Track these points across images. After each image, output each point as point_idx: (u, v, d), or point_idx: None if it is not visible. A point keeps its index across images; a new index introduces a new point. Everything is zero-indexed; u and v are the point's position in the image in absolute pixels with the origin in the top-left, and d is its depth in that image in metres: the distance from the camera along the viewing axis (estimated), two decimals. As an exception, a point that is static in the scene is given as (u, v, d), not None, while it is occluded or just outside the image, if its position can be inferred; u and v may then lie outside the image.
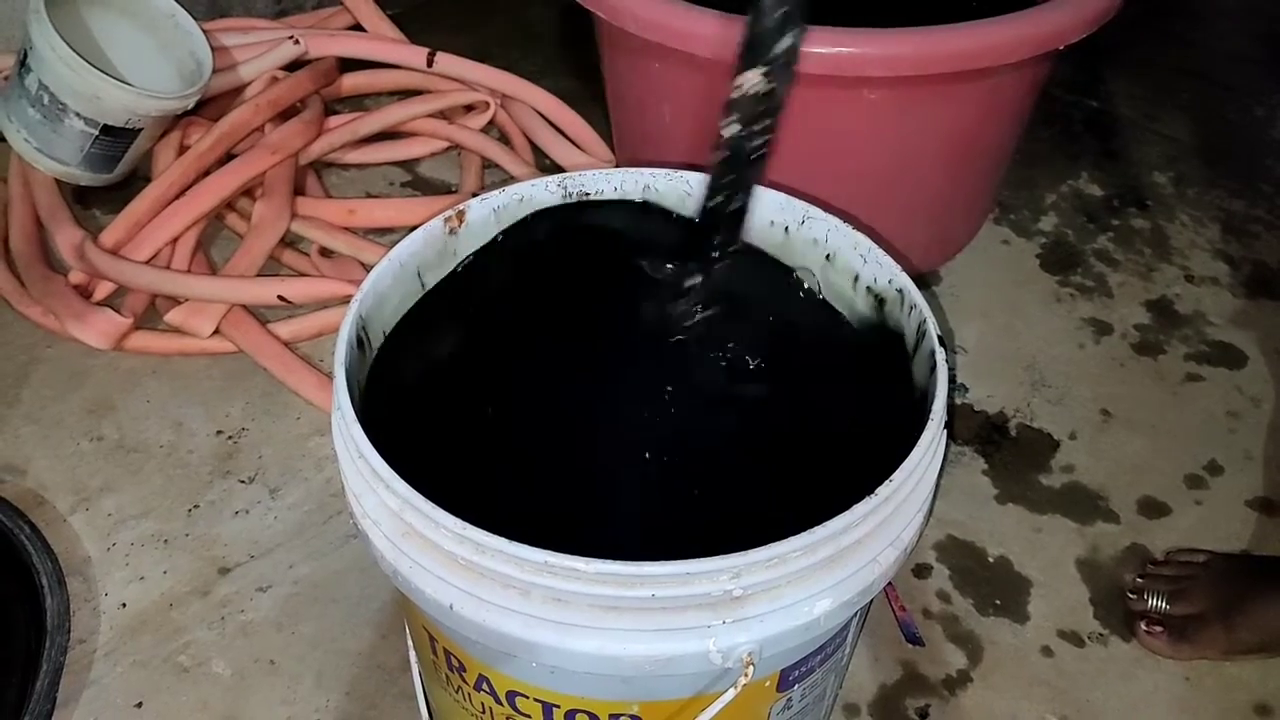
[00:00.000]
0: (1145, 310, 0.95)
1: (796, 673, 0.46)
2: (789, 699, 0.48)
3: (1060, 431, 0.84)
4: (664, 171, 0.57)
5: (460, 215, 0.53)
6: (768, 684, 0.45)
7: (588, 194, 0.56)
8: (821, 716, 0.54)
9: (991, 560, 0.75)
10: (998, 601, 0.72)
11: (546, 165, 1.06)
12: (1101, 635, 0.71)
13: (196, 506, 0.76)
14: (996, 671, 0.69)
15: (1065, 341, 0.92)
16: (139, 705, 0.65)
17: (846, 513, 0.40)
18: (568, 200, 0.56)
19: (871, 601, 0.49)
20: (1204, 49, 1.31)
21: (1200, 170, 1.11)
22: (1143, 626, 0.69)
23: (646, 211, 0.57)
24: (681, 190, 0.57)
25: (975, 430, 0.84)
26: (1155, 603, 0.70)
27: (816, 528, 0.39)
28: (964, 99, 0.82)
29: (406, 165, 1.07)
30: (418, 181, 1.06)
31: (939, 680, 0.68)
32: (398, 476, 0.40)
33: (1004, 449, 0.83)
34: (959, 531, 0.76)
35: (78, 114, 0.90)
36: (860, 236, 0.53)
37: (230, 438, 0.81)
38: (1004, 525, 0.77)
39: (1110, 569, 0.75)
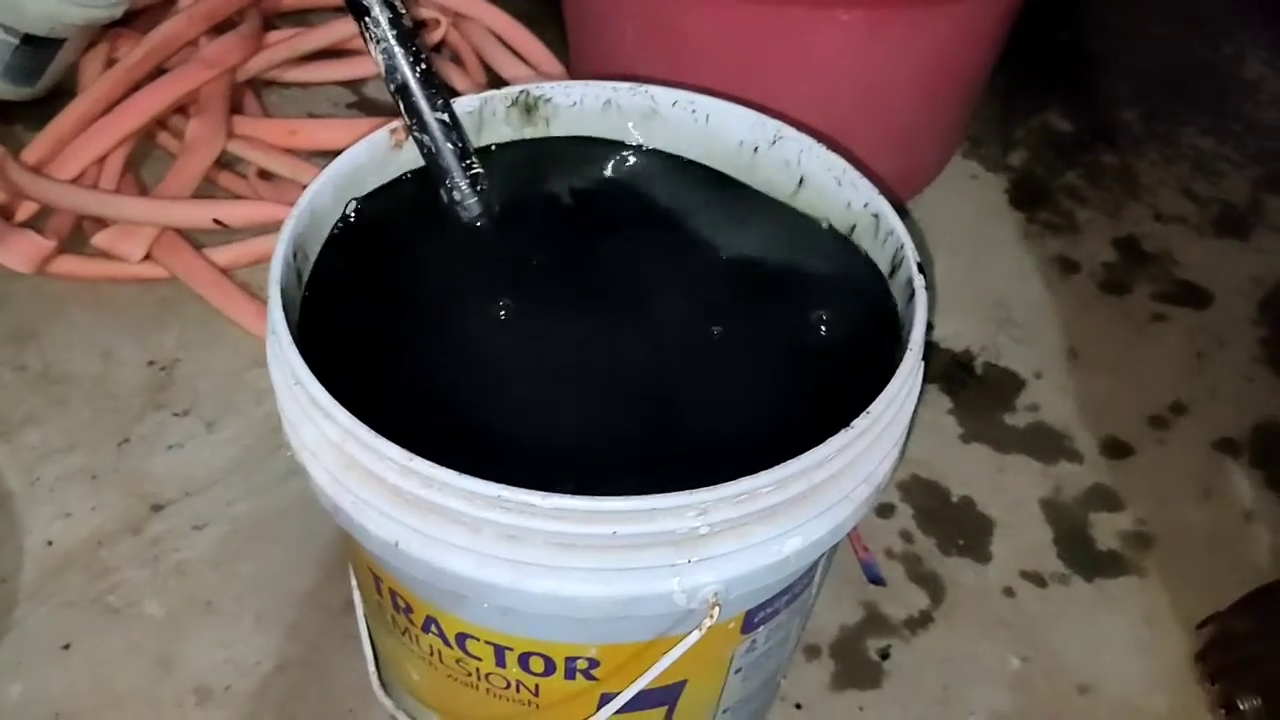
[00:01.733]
0: (1113, 248, 0.94)
1: (761, 614, 0.44)
2: (753, 641, 0.45)
3: (1026, 370, 0.82)
4: (627, 86, 0.53)
5: (407, 128, 0.49)
6: (732, 626, 0.43)
7: (547, 98, 0.52)
8: (784, 659, 0.52)
9: (955, 500, 0.73)
10: (960, 542, 0.71)
11: (499, 87, 1.01)
12: (1063, 576, 0.70)
13: (127, 440, 0.72)
14: (958, 612, 0.67)
15: (1032, 279, 0.90)
16: (66, 647, 0.62)
17: (821, 446, 0.37)
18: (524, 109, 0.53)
19: (839, 543, 0.47)
20: (1173, -15, 1.29)
21: (1170, 107, 1.09)
22: None
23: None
24: (645, 105, 0.53)
25: (941, 368, 0.82)
26: (1249, 705, 0.61)
27: (789, 461, 0.37)
28: (939, 24, 0.78)
29: (352, 85, 1.02)
30: (363, 102, 1.01)
31: (900, 621, 0.67)
32: (338, 405, 0.37)
33: (969, 387, 0.81)
34: (923, 471, 0.75)
35: (-5, 21, 0.83)
36: (835, 158, 0.50)
37: (163, 368, 0.76)
38: (968, 465, 0.76)
39: (1073, 510, 0.73)
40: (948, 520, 0.72)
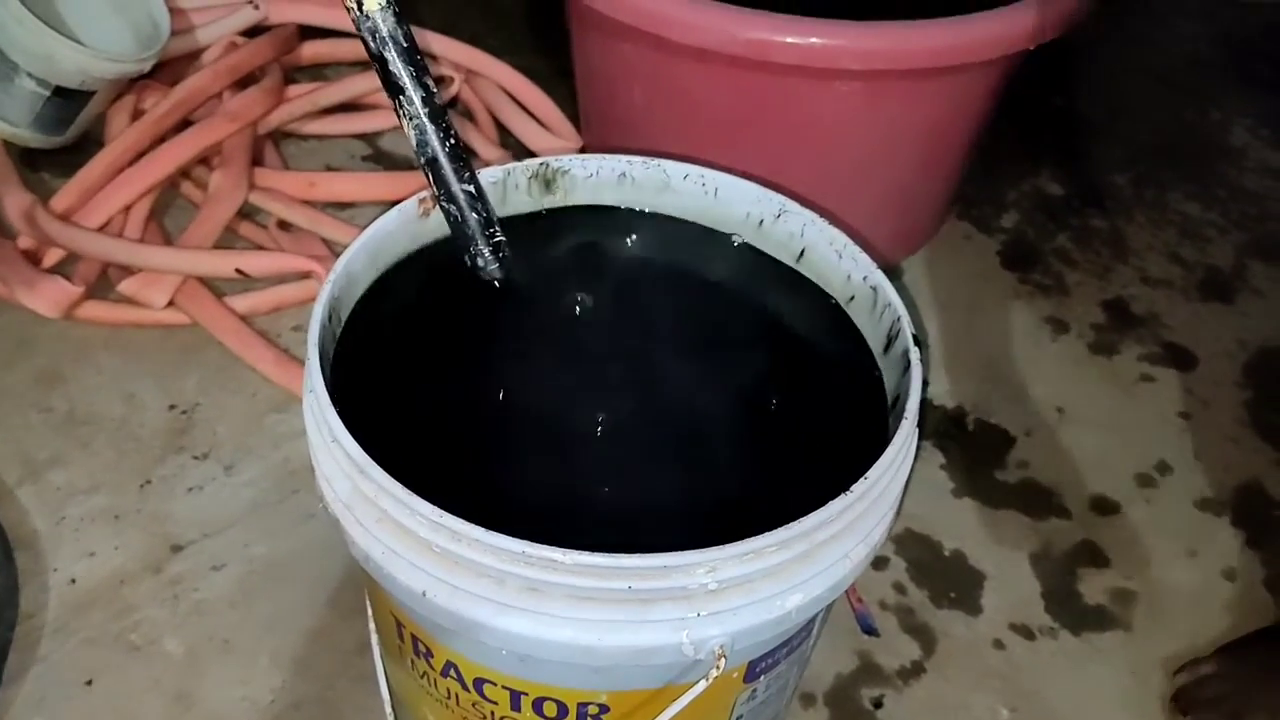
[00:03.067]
0: (1101, 310, 0.97)
1: (763, 664, 0.46)
2: (754, 690, 0.48)
3: (1016, 428, 0.85)
4: (640, 160, 0.56)
5: (434, 198, 0.52)
6: (735, 675, 0.46)
7: (565, 170, 0.56)
8: (782, 707, 0.55)
9: (947, 553, 0.76)
10: (952, 594, 0.73)
11: (510, 144, 1.05)
12: (1051, 629, 0.72)
13: (149, 482, 0.74)
14: (949, 663, 0.70)
15: (1023, 339, 0.93)
16: (89, 683, 0.64)
17: (822, 509, 0.40)
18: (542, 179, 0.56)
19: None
20: (1164, 50, 1.33)
21: (1158, 172, 1.13)
22: None
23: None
24: (658, 178, 0.56)
25: (934, 425, 0.85)
26: None
27: (793, 524, 0.39)
28: (935, 95, 0.82)
29: (367, 139, 1.06)
30: (379, 155, 1.04)
31: (893, 671, 0.69)
32: (373, 463, 0.40)
33: (961, 444, 0.84)
34: (916, 525, 0.77)
35: (29, 74, 0.87)
36: (837, 233, 0.53)
37: (184, 412, 0.79)
38: (960, 519, 0.78)
39: (1061, 564, 0.76)
40: (940, 573, 0.75)
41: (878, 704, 0.67)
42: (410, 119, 0.49)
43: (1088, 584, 0.75)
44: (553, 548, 0.38)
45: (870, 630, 0.71)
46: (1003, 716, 0.67)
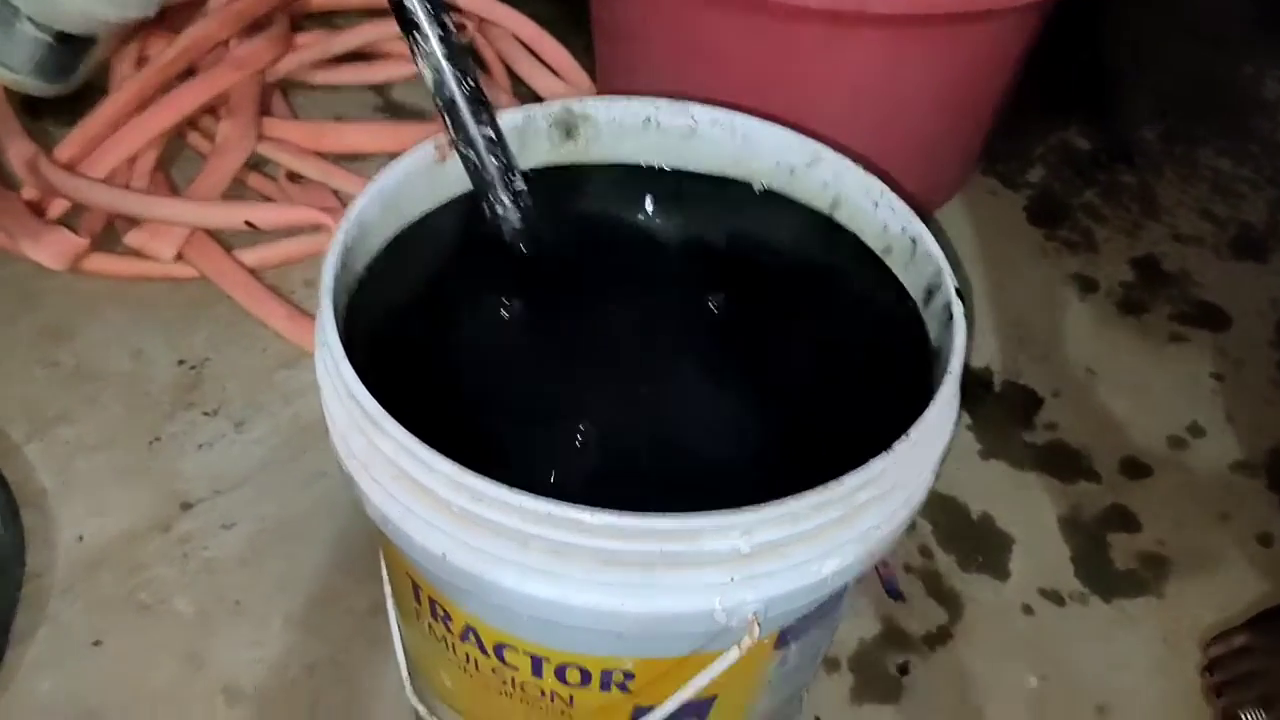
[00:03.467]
0: (1131, 268, 0.94)
1: (795, 632, 0.45)
2: (784, 657, 0.46)
3: (1044, 389, 0.83)
4: (667, 102, 0.54)
5: (452, 143, 0.50)
6: (766, 642, 0.44)
7: (587, 115, 0.53)
8: (811, 674, 0.53)
9: (974, 517, 0.74)
10: (980, 558, 0.72)
11: (523, 94, 1.02)
12: (1082, 594, 0.70)
13: (158, 439, 0.73)
14: (977, 629, 0.68)
15: (1051, 297, 0.91)
16: (97, 643, 0.63)
17: (862, 469, 0.38)
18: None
19: (870, 559, 0.48)
20: (1194, 2, 1.29)
21: (1188, 127, 1.10)
22: None
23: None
24: (685, 123, 0.54)
25: (961, 385, 0.82)
26: (1252, 718, 0.62)
27: (831, 484, 0.37)
28: (961, 44, 0.79)
29: (379, 89, 1.03)
30: (390, 105, 1.02)
31: (919, 636, 0.67)
32: (391, 418, 0.38)
33: (988, 404, 0.82)
34: (942, 487, 0.75)
35: (30, 19, 0.84)
36: (873, 180, 0.50)
37: (193, 368, 0.77)
38: (987, 481, 0.76)
39: (1091, 528, 0.74)
40: (967, 537, 0.73)
41: (904, 670, 0.65)
42: (426, 58, 0.47)
43: (1118, 549, 0.73)
44: (579, 507, 0.36)
45: (896, 594, 0.69)
46: (1031, 684, 0.65)
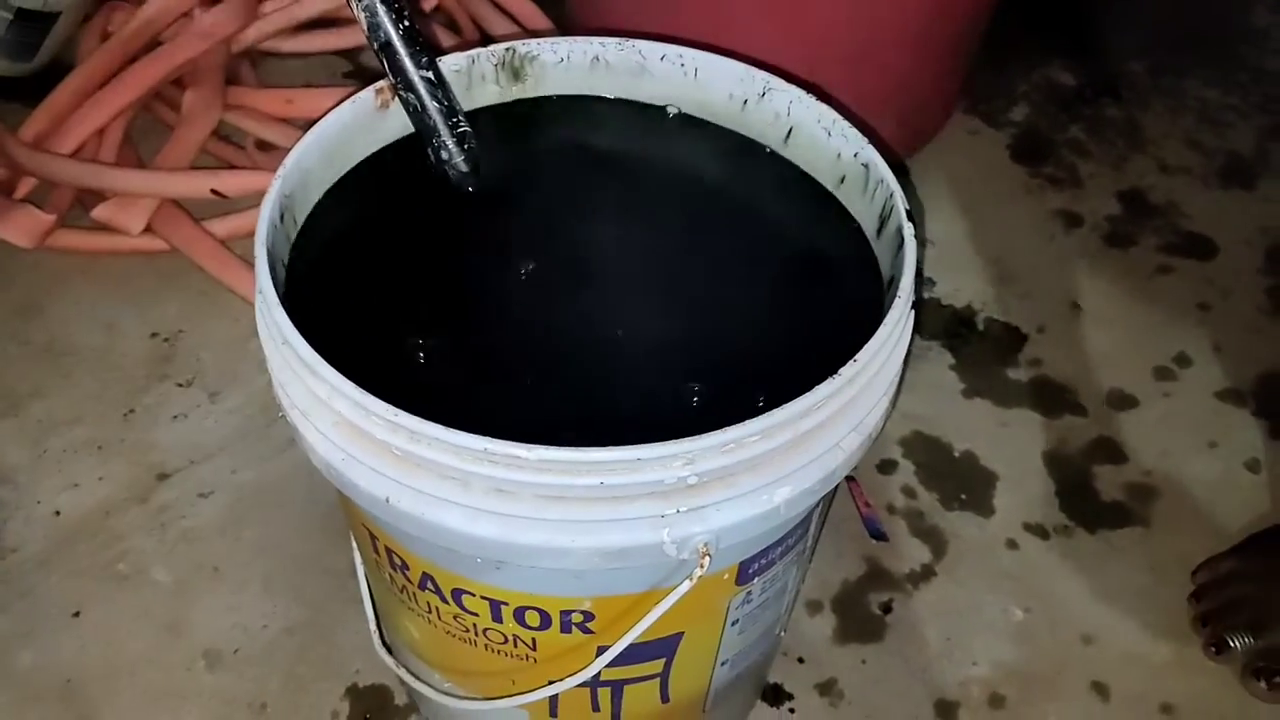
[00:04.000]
0: (1117, 201, 0.93)
1: (756, 565, 0.44)
2: (748, 592, 0.46)
3: (1028, 325, 0.82)
4: (614, 41, 0.53)
5: (392, 87, 0.49)
6: (726, 577, 0.43)
7: (534, 56, 0.52)
8: (782, 611, 0.53)
9: (957, 455, 0.73)
10: (963, 496, 0.71)
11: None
12: (1066, 528, 0.70)
13: (132, 411, 0.72)
14: (960, 565, 0.67)
15: (1035, 234, 0.90)
16: (76, 614, 0.63)
17: (807, 394, 0.37)
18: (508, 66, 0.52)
19: (835, 493, 0.47)
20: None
21: (1175, 58, 1.08)
22: (1263, 686, 0.60)
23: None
24: (633, 61, 0.53)
25: (943, 325, 0.82)
26: (1240, 643, 0.61)
27: (775, 410, 0.37)
28: (934, -24, 0.78)
29: (347, 54, 1.02)
30: (359, 70, 1.01)
31: (902, 575, 0.67)
32: (324, 362, 0.37)
33: (971, 343, 0.81)
34: (925, 427, 0.75)
35: (-11, -3, 0.84)
36: (825, 109, 0.49)
37: (166, 340, 0.77)
38: (970, 419, 0.75)
39: (1077, 462, 0.73)
40: (950, 475, 0.72)
41: (886, 608, 0.65)
42: (360, 0, 0.46)
43: (1104, 481, 0.72)
44: (516, 444, 0.35)
45: (879, 535, 0.68)
46: (1016, 617, 0.65)
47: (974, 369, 0.79)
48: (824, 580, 0.66)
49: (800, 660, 0.62)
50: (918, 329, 0.79)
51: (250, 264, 0.80)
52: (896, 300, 0.41)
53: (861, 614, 0.65)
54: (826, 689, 0.62)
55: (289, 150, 0.87)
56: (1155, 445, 0.74)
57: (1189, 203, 0.93)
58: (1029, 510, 0.70)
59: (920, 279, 0.84)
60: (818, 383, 0.38)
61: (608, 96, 0.53)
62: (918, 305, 0.43)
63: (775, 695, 0.61)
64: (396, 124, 0.50)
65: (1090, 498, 0.71)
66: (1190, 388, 0.78)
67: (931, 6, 0.80)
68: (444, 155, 0.48)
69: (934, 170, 0.94)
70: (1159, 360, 0.80)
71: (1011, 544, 0.68)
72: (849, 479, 0.71)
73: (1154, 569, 0.67)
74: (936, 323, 0.81)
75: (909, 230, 0.43)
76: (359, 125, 0.49)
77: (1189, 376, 0.79)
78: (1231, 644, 0.61)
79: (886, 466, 0.72)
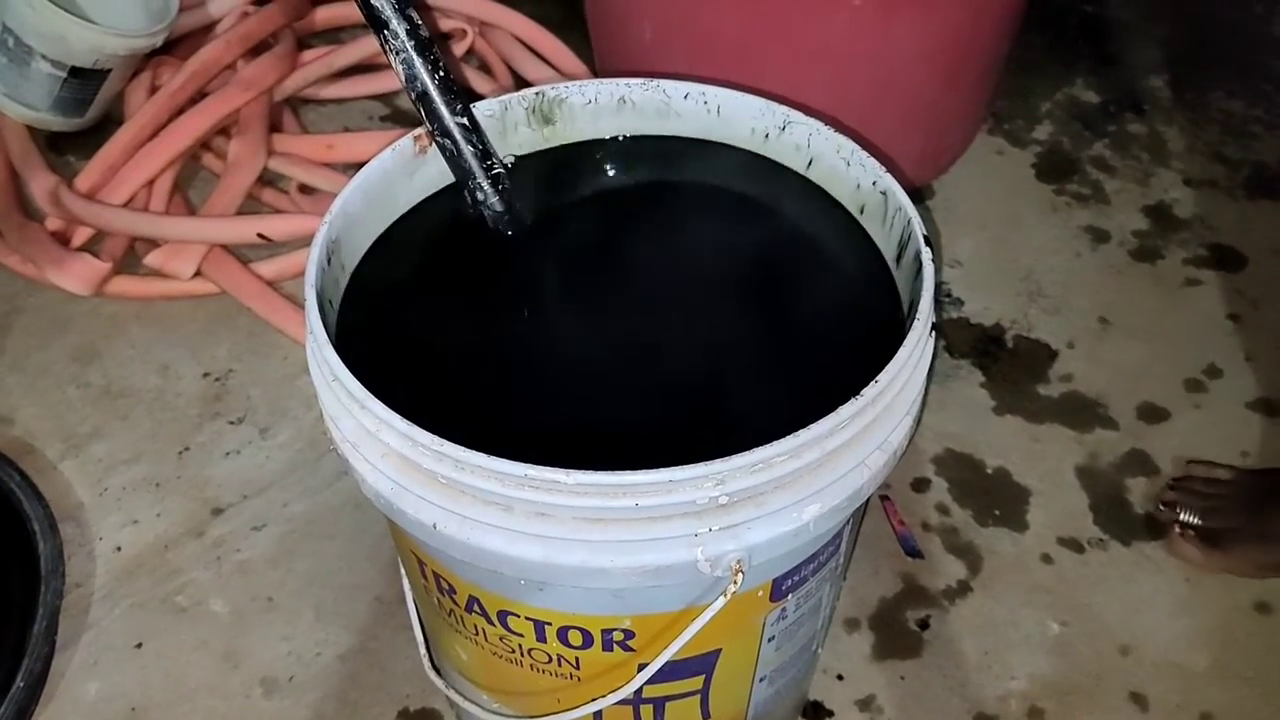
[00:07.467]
0: (1143, 216, 0.94)
1: (789, 582, 0.45)
2: (783, 609, 0.47)
3: (1058, 341, 0.83)
4: (639, 82, 0.55)
5: (430, 134, 0.51)
6: (760, 594, 0.45)
7: (562, 99, 0.54)
8: (818, 628, 0.54)
9: (990, 471, 0.74)
10: (997, 512, 0.72)
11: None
12: (1101, 541, 0.70)
13: (187, 449, 0.75)
14: (996, 580, 0.68)
15: (1062, 250, 0.90)
16: (139, 646, 0.65)
17: (831, 415, 0.39)
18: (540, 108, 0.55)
19: (865, 510, 0.48)
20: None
21: (1198, 72, 1.09)
22: (1177, 531, 0.68)
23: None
24: (659, 100, 0.55)
25: (972, 343, 0.83)
26: (1187, 516, 0.68)
27: (801, 430, 0.38)
28: (952, 2, 0.79)
29: (385, 99, 1.05)
30: (396, 114, 1.04)
31: (939, 591, 0.68)
32: (371, 395, 0.39)
33: (1001, 361, 0.82)
34: (957, 444, 0.76)
35: (44, 56, 0.88)
36: (844, 139, 0.51)
37: (217, 379, 0.80)
38: (1002, 436, 0.76)
39: (1110, 475, 0.74)
40: (983, 491, 0.73)
41: (924, 625, 0.66)
42: (397, 54, 0.48)
43: (1137, 493, 0.73)
44: (555, 469, 0.37)
45: (914, 553, 0.69)
46: (1053, 631, 0.66)
47: (1005, 386, 0.80)
48: (861, 598, 0.67)
49: (839, 677, 0.64)
50: (948, 348, 0.81)
51: (295, 304, 0.83)
52: (915, 323, 0.42)
53: (899, 630, 0.66)
54: (866, 705, 0.63)
55: (332, 195, 0.91)
56: (1188, 457, 0.74)
57: (1216, 215, 0.94)
58: (1063, 524, 0.71)
59: (945, 299, 0.85)
60: (842, 404, 0.40)
61: (634, 135, 0.56)
62: (938, 327, 0.44)
63: (815, 712, 0.62)
64: (435, 169, 0.53)
65: (1124, 510, 0.72)
66: (1221, 399, 0.78)
67: (953, 34, 0.82)
68: (479, 196, 0.51)
69: (960, 190, 0.95)
70: (1189, 372, 0.80)
71: (1046, 558, 0.69)
72: (883, 497, 0.72)
73: (1189, 579, 0.68)
74: (966, 341, 0.82)
75: (927, 255, 0.45)
76: (400, 170, 0.51)
77: (1219, 388, 0.79)
78: (1180, 513, 0.68)
79: (920, 484, 0.73)
